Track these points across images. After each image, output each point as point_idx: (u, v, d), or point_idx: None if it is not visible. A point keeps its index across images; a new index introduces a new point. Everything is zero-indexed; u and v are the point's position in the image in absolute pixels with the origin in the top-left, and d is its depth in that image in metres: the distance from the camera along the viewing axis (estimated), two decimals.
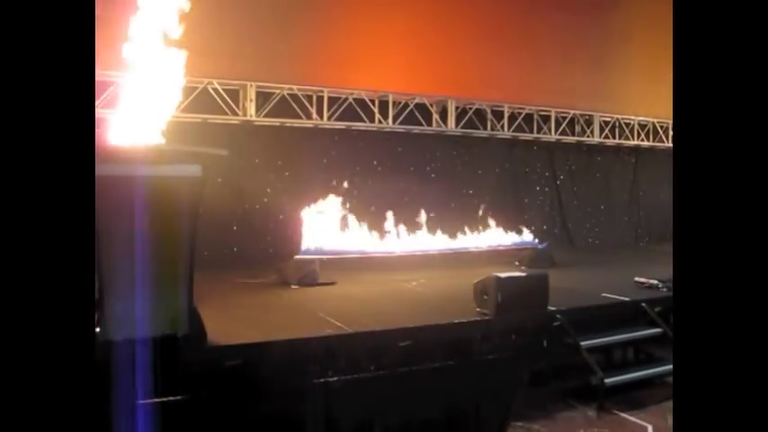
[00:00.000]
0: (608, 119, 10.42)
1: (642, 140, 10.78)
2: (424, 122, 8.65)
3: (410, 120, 8.54)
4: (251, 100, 7.48)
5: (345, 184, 7.57)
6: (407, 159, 8.77)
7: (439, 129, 8.82)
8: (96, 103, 6.24)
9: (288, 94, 7.71)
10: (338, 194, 7.30)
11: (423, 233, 7.67)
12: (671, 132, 10.82)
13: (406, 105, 8.50)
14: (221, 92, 7.34)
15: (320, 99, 7.90)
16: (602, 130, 10.38)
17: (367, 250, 7.13)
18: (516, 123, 9.45)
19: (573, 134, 10.16)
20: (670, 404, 4.36)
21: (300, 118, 7.81)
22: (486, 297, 4.95)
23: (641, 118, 10.64)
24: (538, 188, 10.23)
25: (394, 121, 8.40)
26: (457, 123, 8.92)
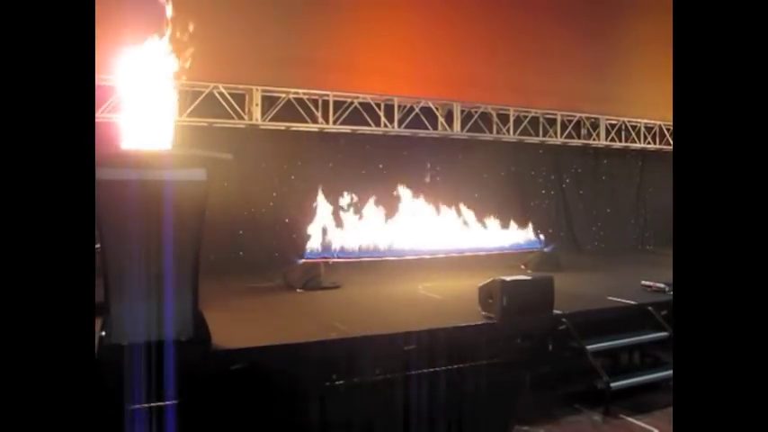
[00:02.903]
0: (614, 122, 10.39)
1: (648, 143, 10.74)
2: (429, 126, 8.64)
3: (416, 123, 8.53)
4: (257, 104, 7.50)
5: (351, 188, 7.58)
6: (413, 163, 8.76)
7: (444, 132, 8.81)
8: (102, 108, 6.27)
9: (293, 99, 7.73)
10: (343, 198, 7.32)
11: (428, 236, 7.66)
12: None
13: (412, 109, 8.49)
14: (227, 96, 7.35)
15: (326, 103, 7.91)
16: (608, 132, 10.35)
17: (372, 254, 7.12)
18: (522, 127, 9.43)
19: (579, 137, 10.13)
20: None
21: (306, 122, 7.82)
22: (491, 301, 4.94)
23: (647, 121, 10.60)
24: (544, 191, 10.20)
25: (399, 125, 8.40)
26: (462, 127, 8.91)
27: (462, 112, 8.91)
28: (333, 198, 7.35)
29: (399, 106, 8.40)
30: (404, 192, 8.03)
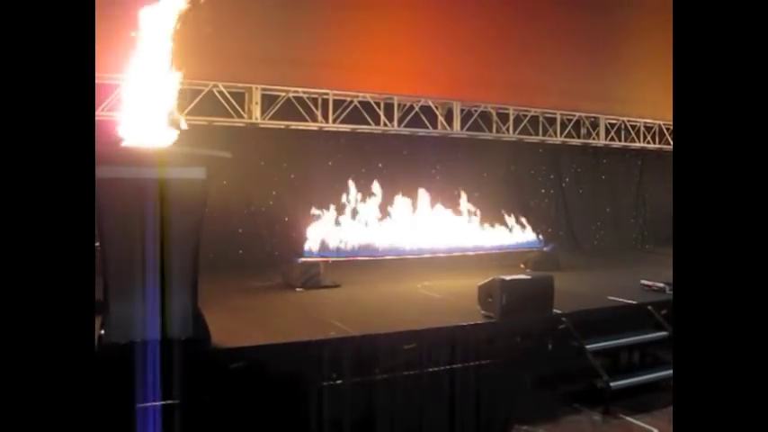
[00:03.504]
0: (614, 121, 10.39)
1: (648, 143, 10.74)
2: (429, 125, 8.64)
3: (415, 122, 8.53)
4: (256, 103, 7.50)
5: (350, 187, 7.57)
6: (412, 162, 8.76)
7: (444, 131, 8.81)
8: (101, 107, 6.26)
9: (293, 97, 7.72)
10: (343, 197, 7.32)
11: (427, 235, 7.66)
12: None
13: (412, 108, 8.49)
14: (227, 94, 7.35)
15: (325, 102, 7.91)
16: (607, 132, 10.35)
17: (372, 253, 7.12)
18: (522, 126, 9.43)
19: (578, 136, 10.12)
20: None
21: (306, 121, 7.82)
22: (490, 300, 4.94)
23: (647, 120, 10.60)
24: (543, 191, 10.20)
25: (399, 124, 8.40)
26: (462, 126, 8.90)
27: (462, 111, 8.91)
28: (333, 196, 7.34)
29: (399, 105, 8.40)
30: (403, 191, 8.02)
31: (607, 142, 10.36)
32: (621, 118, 10.40)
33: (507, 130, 9.30)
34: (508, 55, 8.44)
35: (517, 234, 8.32)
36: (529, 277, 5.50)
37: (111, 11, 4.62)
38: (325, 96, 7.90)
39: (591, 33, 9.00)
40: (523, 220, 8.64)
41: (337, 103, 7.98)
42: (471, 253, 7.79)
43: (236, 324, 4.63)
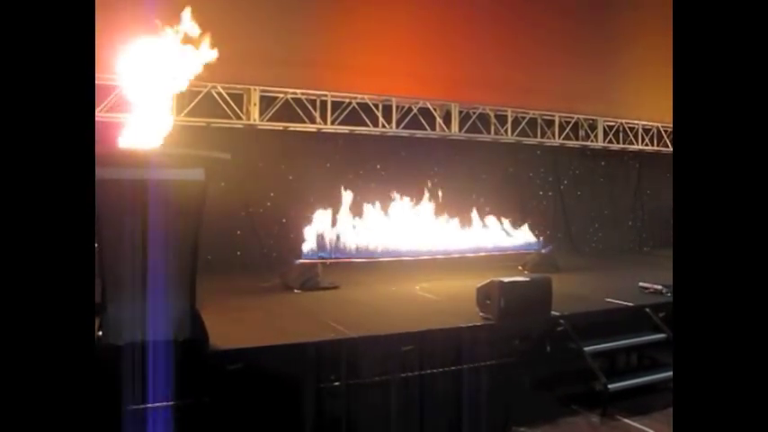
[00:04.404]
0: (612, 123, 10.41)
1: (646, 145, 10.77)
2: (427, 127, 8.65)
3: (413, 124, 8.54)
4: (255, 104, 7.50)
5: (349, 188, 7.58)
6: (411, 164, 8.76)
7: (442, 133, 8.82)
8: (100, 108, 6.26)
9: (291, 99, 7.72)
10: (341, 198, 7.32)
11: (425, 237, 7.66)
12: None
13: (410, 110, 8.50)
14: (225, 96, 7.35)
15: (324, 103, 7.92)
16: (606, 134, 10.36)
17: (370, 254, 7.12)
18: (520, 128, 9.44)
19: (577, 138, 10.14)
20: None
21: (304, 122, 7.83)
22: (489, 302, 4.94)
23: (645, 122, 10.62)
24: (541, 193, 10.21)
25: (397, 126, 8.40)
26: (460, 128, 8.91)
27: (460, 112, 8.92)
28: (331, 198, 7.34)
29: (397, 107, 8.41)
30: (401, 192, 8.03)
31: (605, 144, 10.38)
32: (620, 120, 10.43)
33: (506, 131, 9.31)
34: (506, 57, 8.44)
35: (515, 236, 8.34)
36: (527, 279, 5.50)
37: (110, 11, 4.62)
38: (323, 98, 7.91)
39: (590, 35, 8.99)
40: (522, 221, 8.65)
41: (335, 105, 7.99)
42: (469, 255, 7.79)
43: (234, 325, 4.63)
